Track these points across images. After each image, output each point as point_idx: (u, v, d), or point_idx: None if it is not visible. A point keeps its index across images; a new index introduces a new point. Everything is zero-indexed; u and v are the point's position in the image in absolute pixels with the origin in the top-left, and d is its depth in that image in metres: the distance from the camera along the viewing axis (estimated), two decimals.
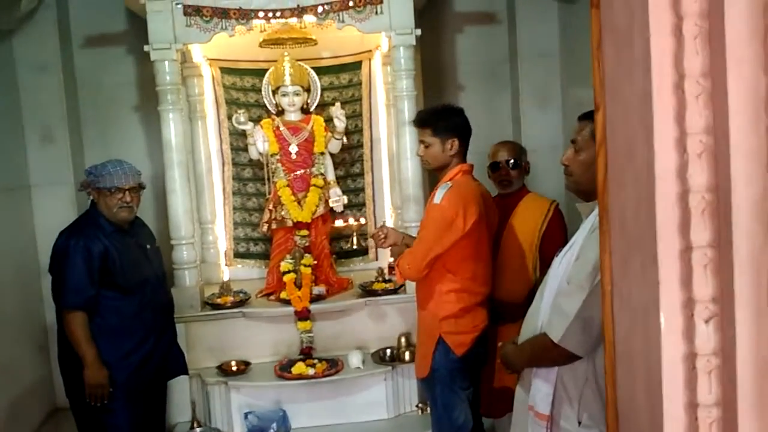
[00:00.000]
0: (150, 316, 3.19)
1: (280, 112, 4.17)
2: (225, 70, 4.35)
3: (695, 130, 0.95)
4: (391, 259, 3.52)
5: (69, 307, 3.02)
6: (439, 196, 2.89)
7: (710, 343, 0.99)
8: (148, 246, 3.30)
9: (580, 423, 1.93)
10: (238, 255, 4.47)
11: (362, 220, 4.18)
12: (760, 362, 0.95)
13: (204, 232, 4.38)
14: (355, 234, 3.92)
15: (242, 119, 4.05)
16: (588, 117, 2.01)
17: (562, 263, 2.04)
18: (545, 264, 2.86)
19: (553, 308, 2.00)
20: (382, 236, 3.11)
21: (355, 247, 3.97)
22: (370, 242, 4.32)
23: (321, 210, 4.09)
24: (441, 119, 3.02)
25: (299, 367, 3.71)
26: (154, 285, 3.24)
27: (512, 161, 3.36)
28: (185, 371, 3.48)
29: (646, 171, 0.99)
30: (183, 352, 3.45)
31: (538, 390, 2.05)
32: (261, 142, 4.10)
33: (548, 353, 1.98)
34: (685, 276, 0.98)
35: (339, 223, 4.03)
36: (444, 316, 2.94)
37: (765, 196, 0.92)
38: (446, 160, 3.01)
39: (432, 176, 3.42)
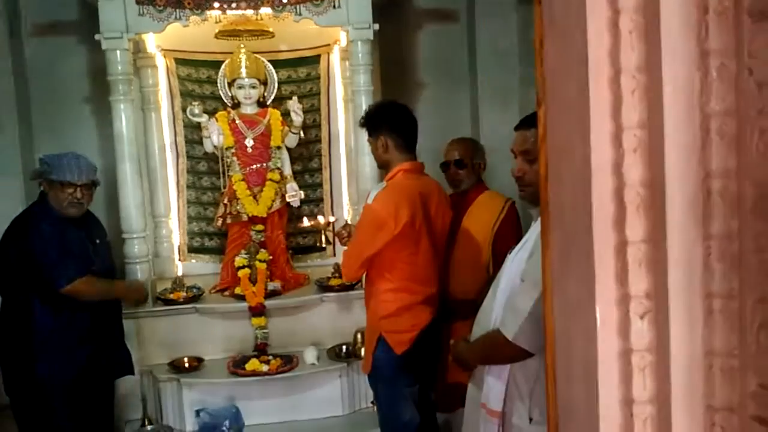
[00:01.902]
0: (96, 312, 3.10)
1: (236, 105, 4.11)
2: (180, 61, 4.26)
3: (630, 125, 0.94)
4: None
5: (70, 280, 2.94)
6: (371, 196, 2.86)
7: (645, 339, 0.98)
8: (98, 240, 3.22)
9: (531, 419, 1.93)
10: (192, 249, 4.39)
11: (331, 219, 4.09)
12: (693, 358, 0.95)
13: (157, 225, 4.30)
14: (323, 232, 3.85)
15: (197, 111, 3.96)
16: (524, 126, 2.00)
17: (515, 261, 2.04)
18: (498, 261, 2.85)
19: (506, 306, 1.98)
20: (345, 234, 3.07)
21: (323, 245, 3.91)
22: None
23: (277, 205, 4.04)
24: (368, 120, 3.01)
25: (253, 364, 3.67)
26: None
27: (459, 161, 3.32)
28: (131, 371, 3.40)
29: (582, 166, 0.99)
30: (129, 352, 3.37)
31: (491, 387, 2.04)
32: (216, 134, 4.03)
33: (501, 350, 1.97)
34: (620, 271, 0.98)
35: (306, 222, 3.95)
36: (383, 315, 2.92)
37: (698, 191, 0.92)
38: (384, 158, 2.98)
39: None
